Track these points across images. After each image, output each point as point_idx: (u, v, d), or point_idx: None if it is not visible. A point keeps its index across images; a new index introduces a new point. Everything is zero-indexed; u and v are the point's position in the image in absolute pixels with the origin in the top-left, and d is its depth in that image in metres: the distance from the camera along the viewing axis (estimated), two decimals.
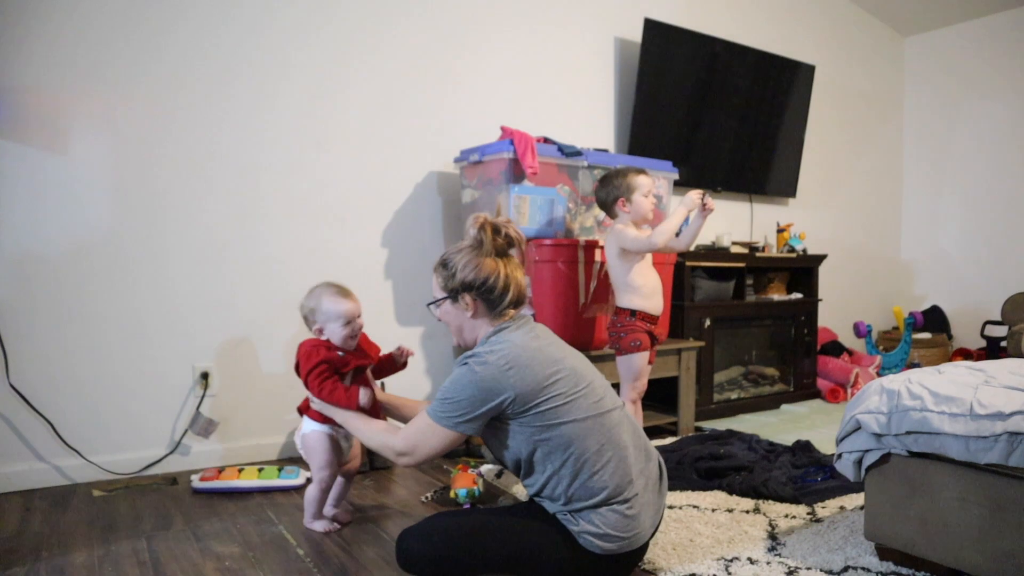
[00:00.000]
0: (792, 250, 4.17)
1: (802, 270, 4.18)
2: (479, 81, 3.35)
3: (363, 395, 1.89)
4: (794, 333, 4.05)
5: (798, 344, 4.06)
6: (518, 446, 1.63)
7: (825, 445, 2.86)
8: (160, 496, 2.39)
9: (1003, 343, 4.56)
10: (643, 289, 2.52)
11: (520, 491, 2.32)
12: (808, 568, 1.77)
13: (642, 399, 2.63)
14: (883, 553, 1.81)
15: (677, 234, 2.57)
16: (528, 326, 1.72)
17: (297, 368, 1.97)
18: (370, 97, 3.08)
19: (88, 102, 2.53)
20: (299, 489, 2.44)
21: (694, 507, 2.23)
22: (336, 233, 3.00)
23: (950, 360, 4.78)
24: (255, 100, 2.82)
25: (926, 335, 4.87)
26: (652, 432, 3.24)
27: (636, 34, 3.75)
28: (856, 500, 2.27)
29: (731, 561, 1.81)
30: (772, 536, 1.99)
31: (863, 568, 1.76)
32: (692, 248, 2.86)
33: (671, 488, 2.39)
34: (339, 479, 2.14)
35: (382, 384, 2.47)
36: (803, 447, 2.81)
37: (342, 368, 1.98)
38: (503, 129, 2.93)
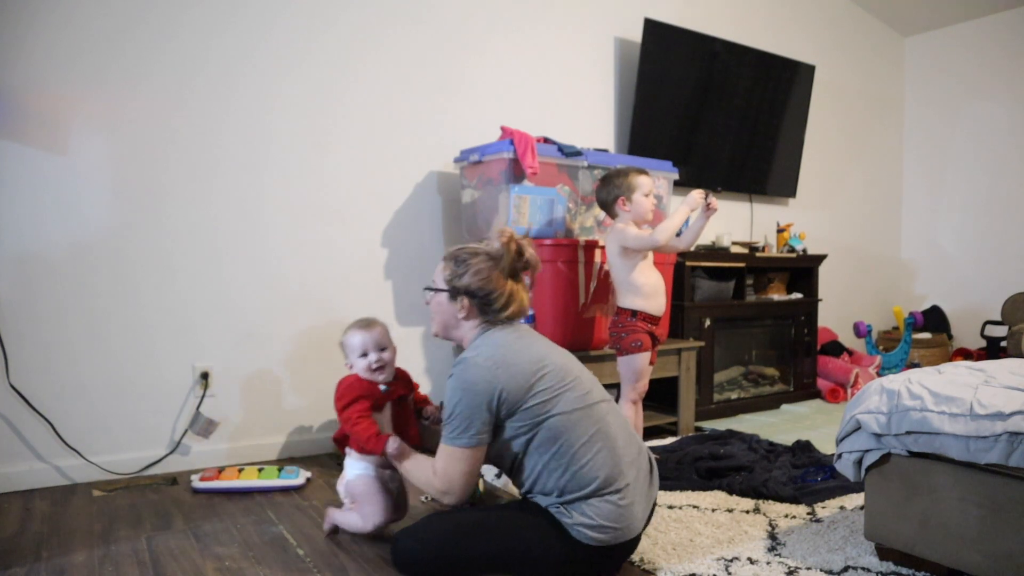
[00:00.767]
0: (792, 250, 4.17)
1: (802, 270, 4.18)
2: (479, 81, 3.35)
3: (391, 444, 1.80)
4: (794, 333, 4.05)
5: (798, 344, 4.06)
6: (509, 445, 1.64)
7: (825, 445, 2.86)
8: (160, 496, 2.39)
9: (1003, 343, 4.56)
10: (644, 289, 2.52)
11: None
12: (808, 568, 1.77)
13: (642, 399, 2.63)
14: (883, 553, 1.81)
15: (678, 234, 2.57)
16: (512, 326, 1.73)
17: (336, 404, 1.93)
18: (371, 98, 3.08)
19: (90, 102, 2.53)
20: (299, 489, 2.45)
21: (694, 507, 2.23)
22: (336, 233, 3.00)
23: (950, 360, 4.78)
24: (256, 101, 2.81)
25: (926, 335, 4.88)
26: (652, 432, 3.24)
27: (636, 34, 3.75)
28: (856, 500, 2.27)
29: (731, 561, 1.81)
30: (772, 536, 1.99)
31: (863, 568, 1.76)
32: (692, 248, 2.86)
33: (671, 488, 2.40)
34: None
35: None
36: (803, 447, 2.81)
37: (380, 402, 1.93)
38: (503, 129, 2.93)
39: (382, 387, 1.95)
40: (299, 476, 2.49)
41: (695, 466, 2.57)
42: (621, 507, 1.60)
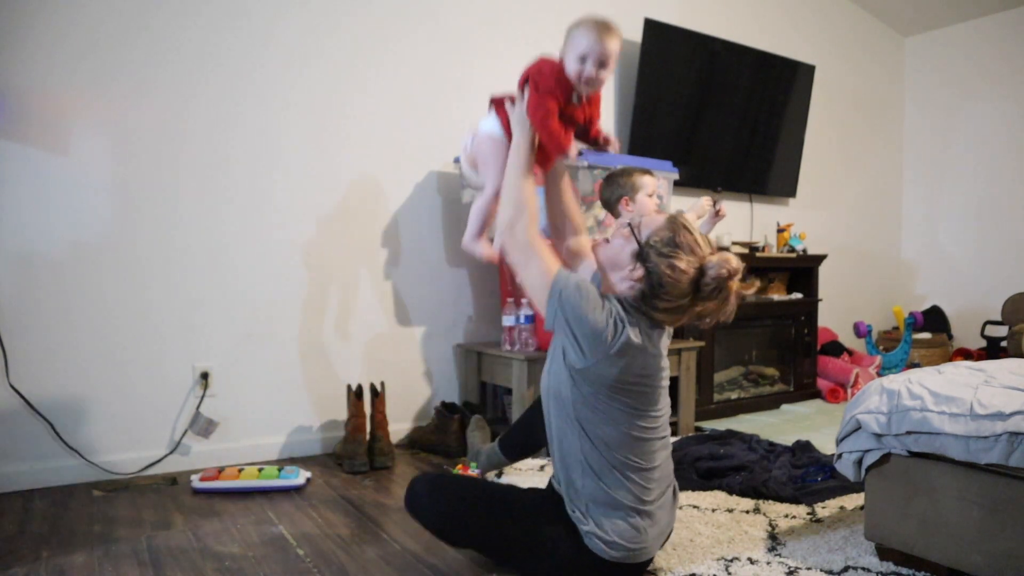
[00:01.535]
0: (792, 250, 4.17)
1: (802, 270, 4.18)
2: (480, 81, 3.35)
3: (575, 146, 1.63)
4: (794, 333, 4.05)
5: (798, 344, 4.06)
6: (584, 398, 1.56)
7: (825, 445, 2.86)
8: (160, 496, 2.39)
9: (1003, 343, 4.56)
10: None
11: None
12: (808, 568, 1.77)
13: None
14: (883, 553, 1.81)
15: None
16: (657, 328, 1.62)
17: (525, 80, 1.74)
18: (375, 100, 3.08)
19: (95, 104, 2.52)
20: (299, 489, 2.45)
21: (694, 507, 2.23)
22: (336, 232, 3.00)
23: (950, 360, 4.78)
24: (257, 102, 2.81)
25: (926, 335, 4.87)
26: None
27: (636, 34, 3.75)
28: (856, 500, 2.27)
29: (731, 561, 1.81)
30: (772, 536, 1.99)
31: (863, 568, 1.76)
32: None
33: None
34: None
35: None
36: (803, 447, 2.81)
37: (567, 111, 1.73)
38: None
39: (575, 98, 1.75)
40: (299, 476, 2.49)
41: (695, 466, 2.57)
42: (639, 531, 1.59)
